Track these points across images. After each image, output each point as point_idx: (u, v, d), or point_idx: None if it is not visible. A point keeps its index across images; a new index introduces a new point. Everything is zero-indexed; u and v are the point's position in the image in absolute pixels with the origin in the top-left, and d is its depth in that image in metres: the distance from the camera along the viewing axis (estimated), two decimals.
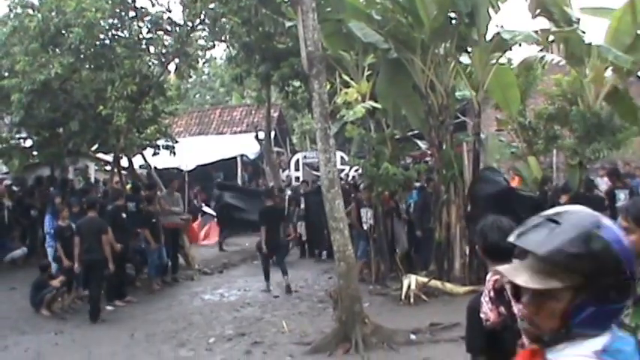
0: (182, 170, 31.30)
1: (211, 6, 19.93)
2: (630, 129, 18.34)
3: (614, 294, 2.26)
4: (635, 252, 4.64)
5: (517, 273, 2.41)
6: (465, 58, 17.84)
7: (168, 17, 20.72)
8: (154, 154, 24.50)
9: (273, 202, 19.72)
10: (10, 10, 21.01)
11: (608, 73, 17.89)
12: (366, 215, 18.12)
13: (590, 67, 17.63)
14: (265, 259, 18.37)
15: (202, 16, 20.44)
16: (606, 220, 2.34)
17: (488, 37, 16.54)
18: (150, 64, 21.41)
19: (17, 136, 24.01)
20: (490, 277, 4.90)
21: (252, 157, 35.25)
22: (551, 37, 17.35)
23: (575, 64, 18.15)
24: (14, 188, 24.31)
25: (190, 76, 25.97)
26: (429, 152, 19.44)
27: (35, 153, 24.12)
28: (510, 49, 17.14)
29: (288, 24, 18.22)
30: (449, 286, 15.94)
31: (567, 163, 19.34)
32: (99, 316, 15.45)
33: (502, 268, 2.45)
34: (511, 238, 2.49)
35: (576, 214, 2.35)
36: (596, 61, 17.25)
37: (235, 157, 34.64)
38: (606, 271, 2.24)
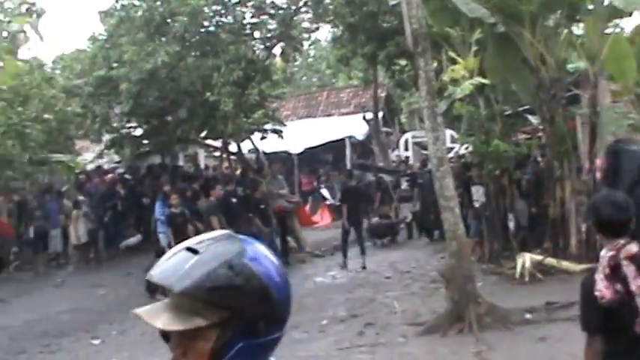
0: (291, 154, 31.46)
1: None
2: None
3: (263, 325, 2.07)
4: None
5: (156, 314, 2.09)
6: (576, 29, 17.32)
7: (272, 1, 20.81)
8: (262, 138, 24.67)
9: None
10: (116, 2, 21.45)
11: None
12: (477, 193, 17.85)
13: None
14: (344, 236, 18.69)
15: None
16: (251, 246, 2.10)
17: (605, 3, 16.02)
18: (255, 48, 21.57)
19: (127, 125, 24.54)
20: (605, 254, 4.71)
21: (360, 138, 35.15)
22: None
23: None
24: (127, 177, 24.86)
25: (296, 59, 26.06)
26: (540, 127, 18.97)
27: (145, 141, 24.63)
28: (629, 16, 16.60)
29: (392, 2, 18.04)
30: (565, 263, 15.52)
31: None
32: None
33: (141, 311, 2.11)
34: (152, 272, 2.12)
35: (218, 242, 2.10)
36: None
37: (344, 139, 34.60)
38: (252, 303, 2.03)
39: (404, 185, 22.78)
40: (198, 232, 16.74)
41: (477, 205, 17.89)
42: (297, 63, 43.50)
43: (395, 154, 34.04)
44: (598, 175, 17.64)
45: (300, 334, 12.88)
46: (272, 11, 20.71)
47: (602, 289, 4.61)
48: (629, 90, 18.08)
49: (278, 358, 2.14)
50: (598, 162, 16.65)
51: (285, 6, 20.66)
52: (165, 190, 19.14)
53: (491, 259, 17.37)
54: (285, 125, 25.20)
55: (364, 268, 18.40)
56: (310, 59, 59.50)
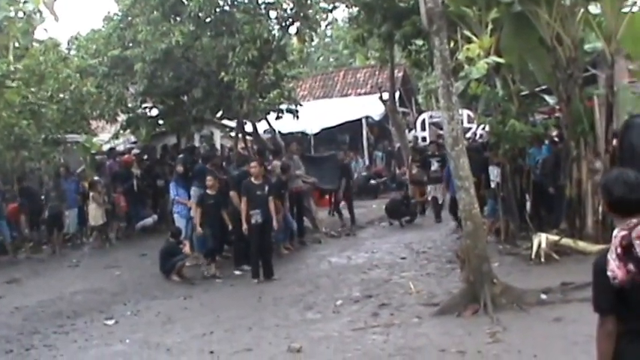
0: (307, 134, 31.45)
1: None
2: None
3: None
4: None
5: None
6: (593, 8, 17.18)
7: None
8: (278, 118, 24.64)
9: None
10: None
11: None
12: (493, 173, 17.80)
13: None
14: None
15: None
16: None
17: None
18: (270, 28, 21.46)
19: (143, 105, 24.59)
20: (617, 233, 4.67)
21: (377, 118, 35.15)
22: None
23: None
24: (143, 157, 24.89)
25: (312, 40, 25.94)
26: (557, 107, 18.87)
27: (161, 122, 24.65)
28: None
29: None
30: (581, 244, 15.45)
31: None
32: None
33: None
34: None
35: None
36: None
37: (360, 119, 34.61)
38: None
39: (434, 166, 22.47)
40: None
41: (492, 185, 17.84)
42: (314, 43, 43.43)
43: (412, 135, 33.98)
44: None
45: (314, 315, 12.93)
46: None
47: (615, 269, 4.57)
48: None
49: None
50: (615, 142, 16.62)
51: None
52: (179, 171, 19.13)
53: (507, 240, 17.33)
54: (301, 105, 25.18)
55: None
56: (327, 39, 59.46)
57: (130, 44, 21.40)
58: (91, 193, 21.38)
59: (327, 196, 26.19)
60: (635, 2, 16.76)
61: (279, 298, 14.34)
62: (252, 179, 16.42)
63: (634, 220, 4.64)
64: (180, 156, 21.68)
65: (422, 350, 10.19)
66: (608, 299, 4.68)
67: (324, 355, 10.42)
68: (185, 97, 22.81)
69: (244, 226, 16.03)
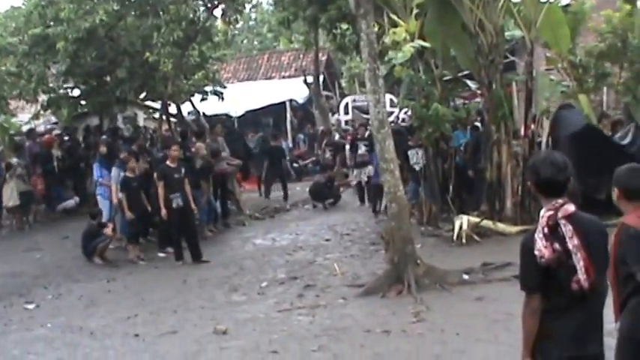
0: (231, 116, 31.36)
1: None
2: None
3: None
4: None
5: None
6: None
7: None
8: (202, 100, 24.52)
9: None
10: None
11: None
12: (417, 156, 18.02)
13: None
14: None
15: None
16: None
17: None
18: (196, 9, 21.31)
19: (65, 85, 24.08)
20: (544, 213, 4.86)
21: (301, 101, 35.19)
22: None
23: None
24: (64, 138, 24.47)
25: (237, 22, 25.81)
26: (479, 92, 19.19)
27: (83, 102, 24.25)
28: None
29: None
30: (501, 225, 15.83)
31: (617, 101, 19.02)
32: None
33: None
34: None
35: None
36: None
37: (284, 102, 34.59)
38: None
39: (361, 150, 22.55)
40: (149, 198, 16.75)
41: (416, 168, 18.06)
42: (238, 26, 43.18)
43: (335, 118, 34.12)
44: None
45: (239, 297, 12.97)
46: None
47: (541, 248, 4.74)
48: (562, 57, 18.43)
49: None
50: (533, 127, 17.01)
51: None
52: (103, 152, 18.90)
53: (430, 222, 17.59)
54: (225, 88, 25.08)
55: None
56: (252, 22, 59.18)
57: (52, 22, 20.92)
58: (7, 174, 20.86)
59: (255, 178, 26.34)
60: None
61: (204, 280, 14.33)
62: (169, 163, 16.36)
63: (560, 201, 4.82)
64: (104, 137, 21.43)
65: (347, 331, 10.32)
66: (534, 278, 4.85)
67: (249, 336, 10.45)
68: (108, 78, 22.45)
69: (163, 211, 15.93)
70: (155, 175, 16.55)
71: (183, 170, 16.38)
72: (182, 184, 16.19)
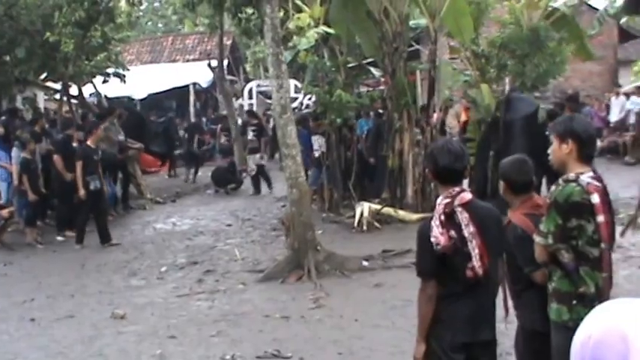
0: (133, 99, 30.97)
1: None
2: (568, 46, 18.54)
3: None
4: (557, 162, 4.91)
5: None
6: None
7: None
8: (104, 82, 24.13)
9: None
10: None
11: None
12: (317, 142, 18.09)
13: None
14: None
15: None
16: None
17: None
18: None
19: None
20: (441, 201, 4.91)
21: (205, 85, 34.99)
22: None
23: None
24: None
25: (141, 3, 25.45)
26: (382, 80, 19.34)
27: None
28: None
29: None
30: (401, 213, 16.01)
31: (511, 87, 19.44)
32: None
33: None
34: None
35: None
36: None
37: (188, 86, 34.33)
38: None
39: (249, 135, 22.51)
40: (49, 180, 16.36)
41: (316, 154, 18.13)
42: (142, 7, 42.64)
43: (239, 103, 33.99)
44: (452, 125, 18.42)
45: (138, 281, 12.80)
46: None
47: (438, 235, 4.80)
48: (465, 47, 18.69)
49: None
50: (435, 116, 17.25)
51: None
52: (0, 133, 18.35)
53: (331, 208, 17.68)
54: (128, 70, 24.70)
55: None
56: (156, 4, 58.48)
57: None
58: None
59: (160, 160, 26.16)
60: None
61: (102, 264, 14.10)
62: (90, 143, 16.03)
63: (456, 189, 4.90)
64: (2, 118, 20.86)
65: (247, 316, 10.29)
66: (430, 264, 4.91)
67: (148, 321, 10.34)
68: (7, 57, 21.87)
69: (81, 192, 15.56)
70: (57, 155, 16.24)
71: (100, 152, 16.11)
72: (98, 166, 15.90)
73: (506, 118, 16.53)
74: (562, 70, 18.83)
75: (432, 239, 4.81)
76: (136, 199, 20.78)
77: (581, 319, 2.10)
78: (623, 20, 26.92)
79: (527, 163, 5.56)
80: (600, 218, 4.79)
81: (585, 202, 4.77)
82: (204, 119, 34.72)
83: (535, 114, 16.17)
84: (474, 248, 4.79)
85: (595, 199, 4.77)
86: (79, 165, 15.57)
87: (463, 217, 4.83)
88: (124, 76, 23.90)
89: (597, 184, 4.84)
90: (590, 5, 24.08)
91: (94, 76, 24.03)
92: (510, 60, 18.13)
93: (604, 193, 4.91)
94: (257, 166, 22.06)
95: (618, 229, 5.95)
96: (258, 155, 21.95)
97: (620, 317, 1.93)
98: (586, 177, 4.81)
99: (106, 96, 26.33)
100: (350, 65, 18.35)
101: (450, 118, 21.27)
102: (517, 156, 5.78)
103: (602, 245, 4.84)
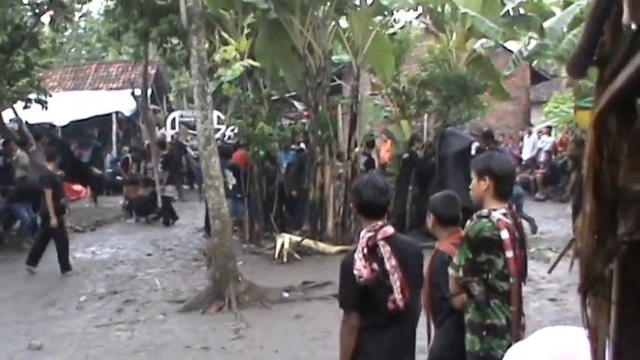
0: (55, 126, 30.63)
1: None
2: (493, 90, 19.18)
3: None
4: (476, 198, 5.13)
5: None
6: (343, 22, 18.06)
7: None
8: (25, 107, 23.86)
9: None
10: None
11: (477, 40, 18.75)
12: (228, 176, 18.14)
13: (460, 34, 18.34)
14: None
15: None
16: None
17: (368, 1, 16.80)
18: (23, 14, 20.74)
19: None
20: (364, 235, 5.05)
21: (128, 114, 34.72)
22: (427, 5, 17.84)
23: (447, 31, 18.80)
24: None
25: (66, 29, 25.25)
26: (305, 114, 19.58)
27: None
28: (391, 14, 17.50)
29: None
30: (321, 245, 16.19)
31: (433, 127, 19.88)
32: None
33: None
34: None
35: None
36: (465, 30, 17.95)
37: (110, 114, 34.06)
38: None
39: (158, 167, 22.61)
40: None
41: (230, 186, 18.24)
42: (66, 33, 42.25)
43: (161, 132, 33.88)
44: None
45: (56, 311, 12.64)
46: None
47: (361, 267, 4.93)
48: (387, 84, 19.10)
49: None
50: (357, 149, 17.52)
51: None
52: None
53: (252, 239, 17.75)
54: (50, 96, 24.46)
55: None
56: (80, 30, 57.92)
57: None
58: None
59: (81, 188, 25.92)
60: (381, 20, 17.79)
61: (19, 293, 13.90)
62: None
63: (379, 223, 5.05)
64: None
65: (167, 346, 10.30)
66: (352, 296, 5.05)
67: (66, 352, 10.26)
68: None
69: (54, 220, 15.32)
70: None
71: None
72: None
73: (441, 153, 16.96)
74: (483, 115, 19.45)
75: (355, 272, 4.93)
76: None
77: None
78: (535, 63, 28.07)
79: (455, 198, 5.78)
80: (509, 254, 4.97)
81: (495, 237, 4.95)
82: (126, 148, 34.49)
83: (468, 149, 16.59)
84: (396, 281, 4.93)
85: (504, 234, 4.95)
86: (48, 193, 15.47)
87: (385, 250, 4.98)
88: (46, 102, 23.67)
89: (507, 220, 5.03)
90: (505, 47, 24.82)
91: (15, 102, 23.75)
92: (435, 99, 18.56)
93: (516, 230, 5.10)
94: (162, 198, 22.16)
95: (531, 263, 6.17)
96: (162, 186, 22.01)
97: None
98: (498, 213, 5.00)
99: (26, 122, 26.01)
100: (273, 98, 18.55)
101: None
102: (446, 192, 6.01)
103: (511, 280, 5.02)
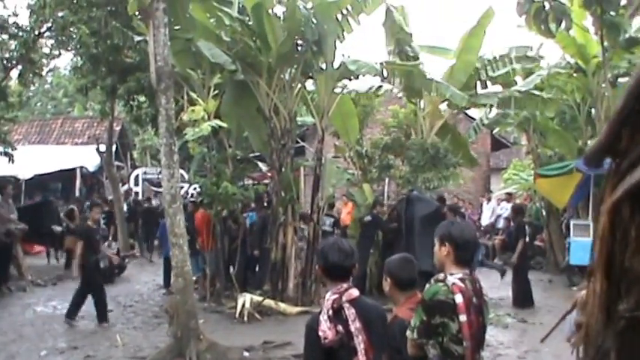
0: (19, 179, 30.56)
1: (60, 14, 19.67)
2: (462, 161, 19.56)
3: None
4: (438, 263, 5.33)
5: None
6: (309, 85, 18.40)
7: (15, 21, 20.31)
8: None
9: None
10: None
11: (443, 107, 19.12)
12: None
13: (428, 101, 18.71)
14: None
15: (50, 23, 20.13)
16: None
17: (335, 65, 17.14)
18: None
19: None
20: (329, 297, 5.18)
21: (92, 169, 34.76)
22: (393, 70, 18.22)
23: (414, 97, 19.16)
24: None
25: (33, 84, 25.39)
26: (268, 174, 19.80)
27: None
28: (357, 78, 17.83)
29: (137, 38, 18.11)
30: (282, 305, 16.30)
31: (399, 192, 20.14)
32: None
33: None
34: None
35: None
36: (432, 96, 18.30)
37: (75, 169, 34.07)
38: None
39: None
40: None
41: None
42: (33, 88, 42.34)
43: (125, 189, 33.91)
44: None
45: None
46: (14, 31, 20.21)
47: (325, 329, 5.05)
48: (350, 147, 19.42)
49: None
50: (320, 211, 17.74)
51: (28, 28, 20.23)
52: None
53: (213, 298, 17.82)
54: (15, 149, 24.53)
55: None
56: (47, 86, 57.98)
57: None
58: None
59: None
60: (346, 85, 18.14)
61: None
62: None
63: (345, 285, 5.20)
64: None
65: None
66: (317, 357, 5.15)
67: None
68: None
69: None
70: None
71: None
72: None
73: (407, 217, 17.20)
74: (455, 183, 19.82)
75: (320, 333, 5.04)
76: (16, 280, 20.41)
77: None
78: (496, 130, 28.68)
79: (412, 261, 5.85)
80: (463, 318, 5.05)
81: (449, 301, 5.04)
82: (88, 203, 34.43)
83: (434, 214, 16.81)
84: (360, 343, 5.04)
85: (459, 298, 5.05)
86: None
87: (350, 312, 5.10)
88: (12, 155, 23.73)
89: (462, 285, 5.13)
90: (467, 114, 25.39)
91: None
92: (406, 166, 18.89)
93: (474, 295, 5.20)
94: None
95: (490, 329, 6.30)
96: (106, 244, 22.04)
97: None
98: (454, 278, 5.12)
99: None
100: (238, 158, 18.78)
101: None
102: (403, 255, 6.09)
103: (465, 344, 5.08)
